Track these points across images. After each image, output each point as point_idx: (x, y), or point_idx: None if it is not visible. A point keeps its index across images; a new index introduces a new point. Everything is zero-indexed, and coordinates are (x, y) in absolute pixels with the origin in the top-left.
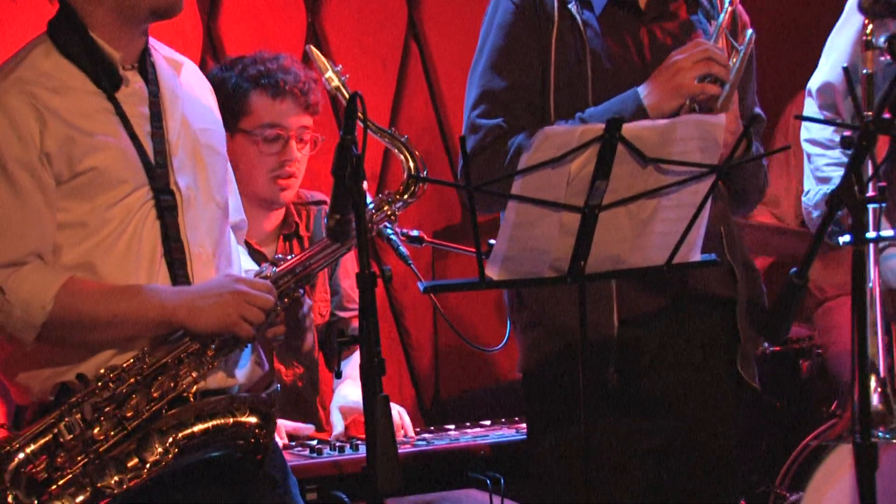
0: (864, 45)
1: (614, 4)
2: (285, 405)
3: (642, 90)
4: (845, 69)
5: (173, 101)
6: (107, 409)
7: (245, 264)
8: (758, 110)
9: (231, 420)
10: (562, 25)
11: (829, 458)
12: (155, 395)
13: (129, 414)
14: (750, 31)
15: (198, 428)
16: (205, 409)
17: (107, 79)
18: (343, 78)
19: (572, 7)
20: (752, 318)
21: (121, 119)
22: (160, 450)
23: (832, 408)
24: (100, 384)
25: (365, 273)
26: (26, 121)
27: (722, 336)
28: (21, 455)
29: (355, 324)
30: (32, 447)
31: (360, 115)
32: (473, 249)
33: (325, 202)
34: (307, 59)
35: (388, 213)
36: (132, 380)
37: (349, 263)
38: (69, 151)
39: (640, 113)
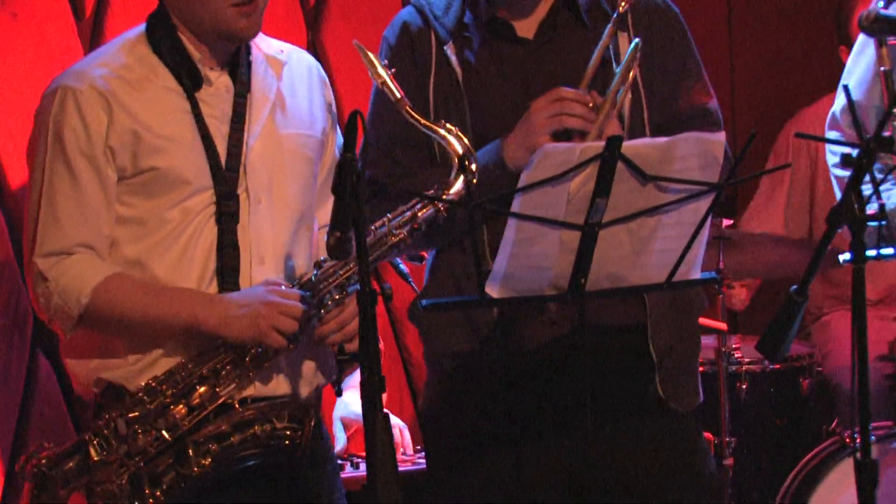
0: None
1: (494, 37)
2: None
3: (505, 142)
4: (845, 87)
5: (262, 103)
6: (145, 422)
7: None
8: (712, 105)
9: (269, 427)
10: (438, 70)
11: (829, 476)
12: (195, 404)
13: (168, 425)
14: (636, 40)
15: (236, 437)
16: (244, 417)
17: (189, 77)
18: (391, 71)
19: (447, 49)
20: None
21: (196, 119)
22: (198, 461)
23: (832, 426)
24: (139, 395)
25: (365, 291)
26: (95, 112)
27: (633, 361)
28: (55, 474)
29: None
30: (70, 464)
31: (394, 96)
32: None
33: None
34: None
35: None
36: (170, 391)
37: None
38: (134, 148)
39: (500, 165)
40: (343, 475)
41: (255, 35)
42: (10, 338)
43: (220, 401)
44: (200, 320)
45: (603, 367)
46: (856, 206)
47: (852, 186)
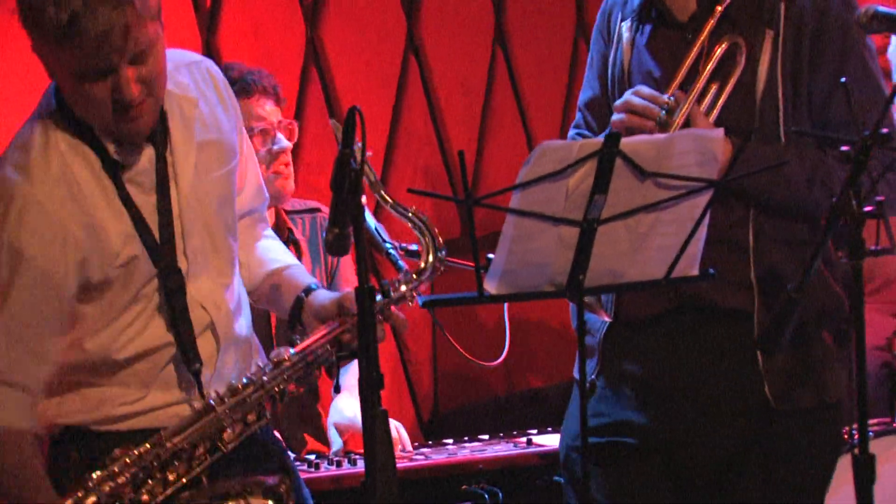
0: None
1: (657, 20)
2: (285, 411)
3: None
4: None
5: (185, 158)
6: (123, 496)
7: (279, 254)
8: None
9: (244, 502)
10: (616, 48)
11: None
12: (171, 479)
13: (144, 499)
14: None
15: None
16: (218, 491)
17: (108, 167)
18: (368, 153)
19: (624, 26)
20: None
21: (125, 204)
22: None
23: None
24: (115, 469)
25: (364, 287)
26: (58, 230)
27: (736, 350)
28: None
29: None
30: None
31: (369, 179)
32: (472, 264)
33: (319, 210)
34: (305, 77)
35: (407, 292)
36: (148, 464)
37: (348, 272)
38: (98, 264)
39: None
40: (341, 472)
41: (147, 133)
42: None
43: (193, 474)
44: None
45: (704, 358)
46: (854, 201)
47: (850, 182)
